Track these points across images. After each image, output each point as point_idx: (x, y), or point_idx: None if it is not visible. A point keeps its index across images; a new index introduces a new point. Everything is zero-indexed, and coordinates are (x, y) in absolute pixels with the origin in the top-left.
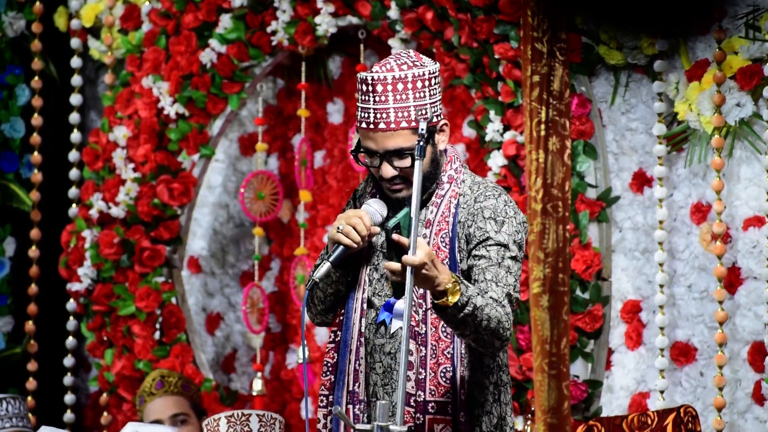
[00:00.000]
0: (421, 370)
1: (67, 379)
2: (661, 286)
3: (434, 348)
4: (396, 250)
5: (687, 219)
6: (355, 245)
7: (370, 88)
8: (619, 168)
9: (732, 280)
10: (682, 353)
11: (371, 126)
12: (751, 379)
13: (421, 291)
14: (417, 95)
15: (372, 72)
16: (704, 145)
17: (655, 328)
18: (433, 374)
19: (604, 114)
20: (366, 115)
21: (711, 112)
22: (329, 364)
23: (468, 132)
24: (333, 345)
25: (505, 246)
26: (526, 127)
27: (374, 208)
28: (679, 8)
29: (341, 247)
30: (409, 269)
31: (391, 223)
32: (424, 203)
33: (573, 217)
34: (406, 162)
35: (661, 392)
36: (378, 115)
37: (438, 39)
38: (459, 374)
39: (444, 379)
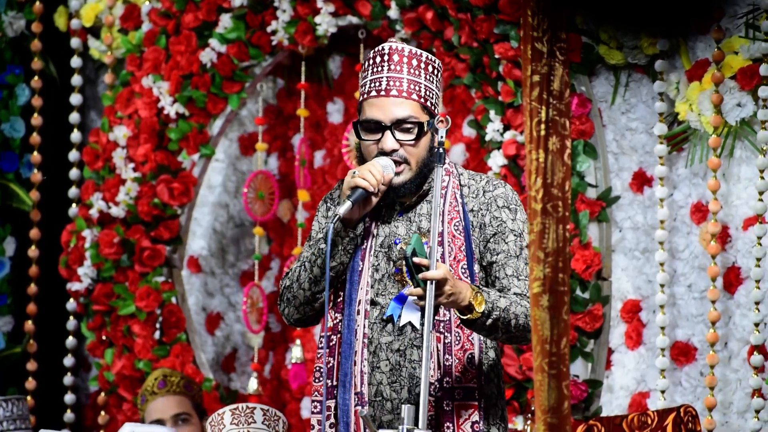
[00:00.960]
0: (447, 356)
1: (67, 379)
2: (662, 285)
3: (458, 334)
4: (417, 274)
5: (687, 219)
6: (372, 188)
7: (386, 57)
8: (619, 168)
9: (732, 279)
10: (682, 353)
11: (382, 93)
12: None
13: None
14: (427, 77)
15: (390, 42)
16: (705, 144)
17: (655, 328)
18: (458, 360)
19: (604, 114)
20: (377, 84)
21: (712, 111)
22: (322, 370)
23: (468, 132)
24: (327, 350)
25: (520, 235)
26: (526, 127)
27: (386, 163)
28: (679, 8)
29: (360, 190)
30: (430, 286)
31: (408, 249)
32: (423, 197)
33: (573, 217)
34: (409, 136)
35: (662, 392)
36: (391, 83)
37: (438, 39)
38: (478, 360)
39: (471, 365)
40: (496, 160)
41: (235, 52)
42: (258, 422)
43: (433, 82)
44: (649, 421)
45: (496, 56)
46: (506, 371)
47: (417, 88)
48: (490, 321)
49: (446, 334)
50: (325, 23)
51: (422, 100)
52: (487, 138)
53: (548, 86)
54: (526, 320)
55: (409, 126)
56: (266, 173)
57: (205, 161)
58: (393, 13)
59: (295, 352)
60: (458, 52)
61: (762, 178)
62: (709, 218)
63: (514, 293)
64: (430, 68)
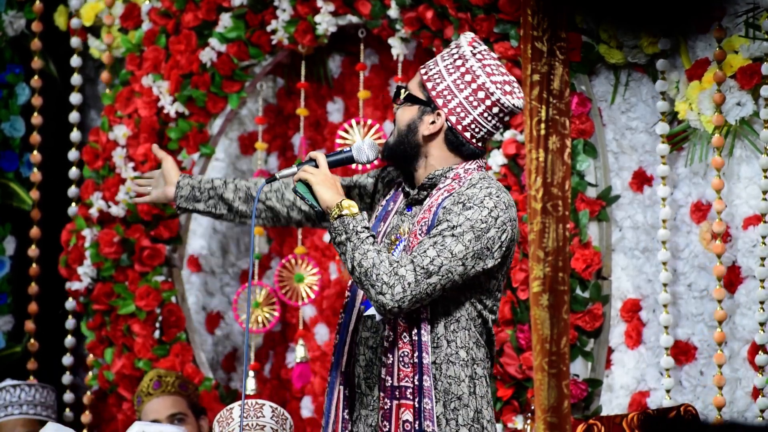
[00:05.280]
0: (389, 355)
1: (66, 378)
2: (665, 285)
3: (390, 335)
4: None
5: (687, 218)
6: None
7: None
8: (619, 167)
9: (732, 279)
10: (682, 352)
11: None
12: (751, 378)
13: None
14: (445, 66)
15: (461, 43)
16: (705, 144)
17: (655, 327)
18: (398, 359)
19: (604, 113)
20: None
21: (711, 111)
22: (335, 345)
23: None
24: (339, 327)
25: (454, 226)
26: (526, 126)
27: (363, 148)
28: (679, 7)
29: (313, 161)
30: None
31: (299, 188)
32: (418, 199)
33: (573, 216)
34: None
35: (668, 391)
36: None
37: (438, 38)
38: (425, 361)
39: (403, 364)
40: (496, 159)
41: (235, 51)
42: (267, 417)
43: (452, 74)
44: None
45: (496, 55)
46: (506, 370)
47: (431, 66)
48: (339, 238)
49: (390, 333)
50: (325, 22)
51: (425, 77)
52: None
53: (548, 85)
54: (370, 270)
55: (400, 91)
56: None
57: (205, 160)
58: (393, 12)
59: (299, 352)
60: None
61: (765, 177)
62: (713, 217)
63: (389, 257)
64: (458, 62)
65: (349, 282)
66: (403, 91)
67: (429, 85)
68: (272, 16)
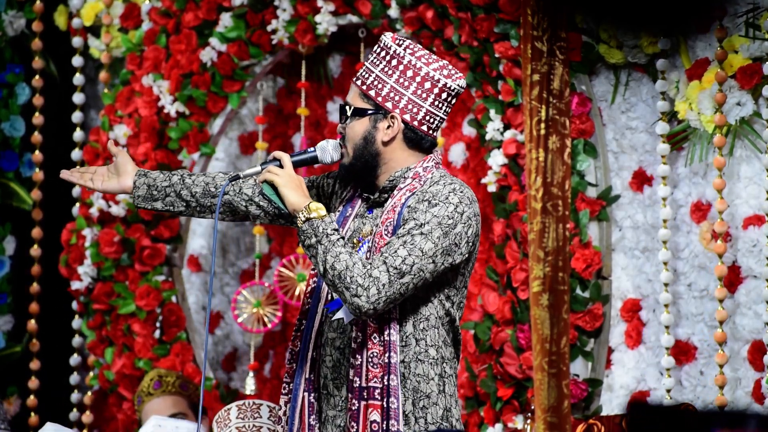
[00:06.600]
0: (357, 356)
1: (73, 378)
2: (666, 285)
3: (360, 336)
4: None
5: (687, 218)
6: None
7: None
8: (619, 167)
9: (732, 278)
10: (682, 352)
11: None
12: (751, 378)
13: None
14: (384, 69)
15: (387, 43)
16: (705, 143)
17: (655, 327)
18: (366, 360)
19: (604, 113)
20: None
21: (711, 110)
22: (293, 352)
23: (468, 131)
24: (299, 333)
25: (422, 224)
26: (526, 126)
27: (327, 149)
28: (679, 7)
29: (276, 161)
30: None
31: (265, 190)
32: (387, 193)
33: (573, 216)
34: (342, 118)
35: (668, 391)
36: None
37: (438, 38)
38: (393, 361)
39: (371, 364)
40: (497, 159)
41: (235, 51)
42: (264, 417)
43: (391, 75)
44: None
45: (496, 55)
46: (506, 370)
47: (365, 75)
48: (309, 241)
49: (359, 333)
50: (326, 22)
51: (363, 87)
52: (488, 137)
53: (548, 85)
54: (335, 275)
55: (345, 109)
56: None
57: (205, 160)
58: (393, 12)
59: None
60: (458, 51)
61: None
62: (713, 217)
63: (360, 258)
64: (393, 62)
65: (307, 289)
66: (348, 108)
67: (372, 93)
68: (272, 16)
